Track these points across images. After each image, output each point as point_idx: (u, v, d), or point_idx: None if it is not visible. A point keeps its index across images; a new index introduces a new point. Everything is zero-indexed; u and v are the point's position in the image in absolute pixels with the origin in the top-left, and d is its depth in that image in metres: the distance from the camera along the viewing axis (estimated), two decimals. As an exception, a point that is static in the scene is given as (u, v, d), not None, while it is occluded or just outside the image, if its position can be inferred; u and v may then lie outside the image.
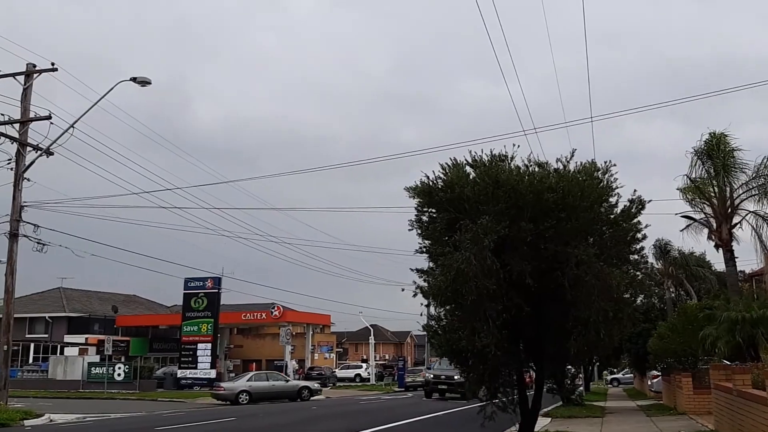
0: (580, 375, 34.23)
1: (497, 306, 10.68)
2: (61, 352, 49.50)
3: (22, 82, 20.22)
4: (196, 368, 40.38)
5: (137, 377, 37.78)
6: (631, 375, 55.88)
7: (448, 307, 11.66)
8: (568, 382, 13.81)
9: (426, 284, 10.83)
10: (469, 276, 9.92)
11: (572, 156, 10.78)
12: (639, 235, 11.14)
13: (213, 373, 40.07)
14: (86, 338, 52.88)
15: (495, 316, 10.47)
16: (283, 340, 38.50)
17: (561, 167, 10.88)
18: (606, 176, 10.80)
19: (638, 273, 11.58)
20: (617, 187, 10.90)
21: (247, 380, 32.41)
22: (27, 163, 19.98)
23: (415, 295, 10.91)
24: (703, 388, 18.42)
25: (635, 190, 11.08)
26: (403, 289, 11.23)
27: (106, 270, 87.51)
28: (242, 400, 30.62)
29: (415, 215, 11.43)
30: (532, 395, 11.89)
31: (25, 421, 19.20)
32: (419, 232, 11.31)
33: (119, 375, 38.70)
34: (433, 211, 11.22)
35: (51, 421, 20.29)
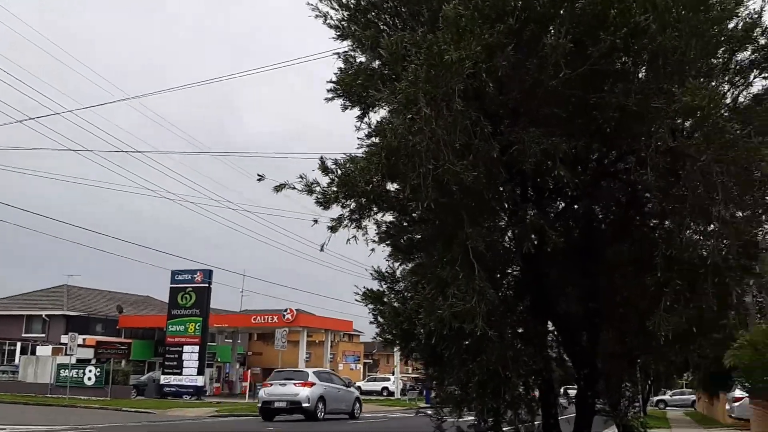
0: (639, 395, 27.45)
1: (488, 230, 4.97)
2: (33, 352, 45.20)
3: None
4: (181, 374, 35.23)
5: (110, 382, 32.85)
6: (688, 396, 48.65)
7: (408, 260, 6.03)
8: (626, 401, 7.73)
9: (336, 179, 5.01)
10: (417, 150, 4.21)
11: None
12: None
13: (200, 381, 34.85)
14: (84, 339, 48.53)
15: (486, 251, 4.73)
16: (278, 343, 33.07)
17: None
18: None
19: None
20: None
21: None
22: None
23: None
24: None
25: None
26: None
27: (122, 269, 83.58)
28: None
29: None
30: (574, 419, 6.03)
31: None
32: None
33: (89, 379, 33.75)
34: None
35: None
